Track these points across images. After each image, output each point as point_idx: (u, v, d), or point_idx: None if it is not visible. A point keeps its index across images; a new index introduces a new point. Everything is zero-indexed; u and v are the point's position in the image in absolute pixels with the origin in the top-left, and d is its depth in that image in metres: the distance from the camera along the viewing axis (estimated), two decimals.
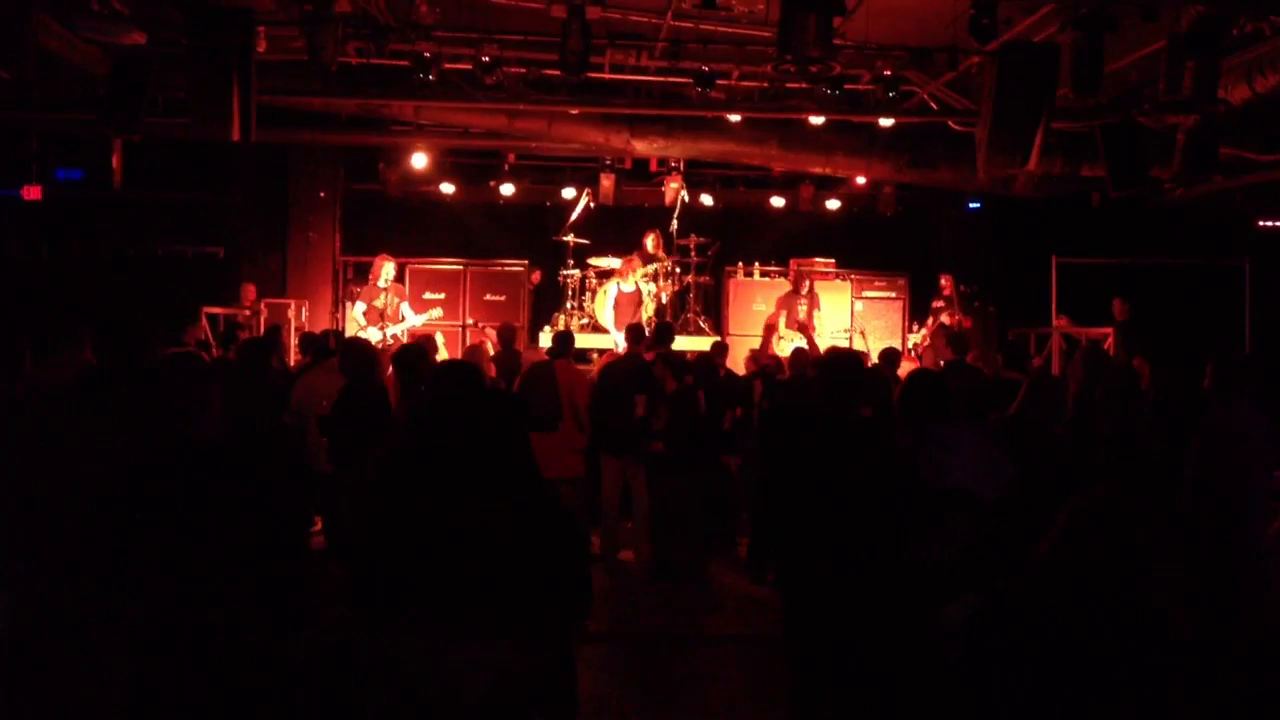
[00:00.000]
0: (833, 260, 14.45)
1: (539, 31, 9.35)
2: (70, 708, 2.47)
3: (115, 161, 11.88)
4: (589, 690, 5.86)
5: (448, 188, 14.38)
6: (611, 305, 12.48)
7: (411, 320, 11.64)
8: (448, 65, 9.77)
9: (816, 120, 11.29)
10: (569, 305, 13.10)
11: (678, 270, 13.23)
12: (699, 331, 13.06)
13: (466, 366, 4.19)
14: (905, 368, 9.38)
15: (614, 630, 7.10)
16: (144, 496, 2.50)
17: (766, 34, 9.25)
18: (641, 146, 12.28)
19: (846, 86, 10.13)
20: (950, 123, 10.97)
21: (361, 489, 6.91)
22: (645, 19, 9.68)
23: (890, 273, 14.68)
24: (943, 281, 13.71)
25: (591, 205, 13.80)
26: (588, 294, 13.12)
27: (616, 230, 13.99)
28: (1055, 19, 8.59)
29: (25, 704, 2.46)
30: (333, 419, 6.96)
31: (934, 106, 11.02)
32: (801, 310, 12.90)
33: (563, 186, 14.40)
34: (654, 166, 14.40)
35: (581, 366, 9.98)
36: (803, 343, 10.66)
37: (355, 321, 11.77)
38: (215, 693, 2.51)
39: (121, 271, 13.73)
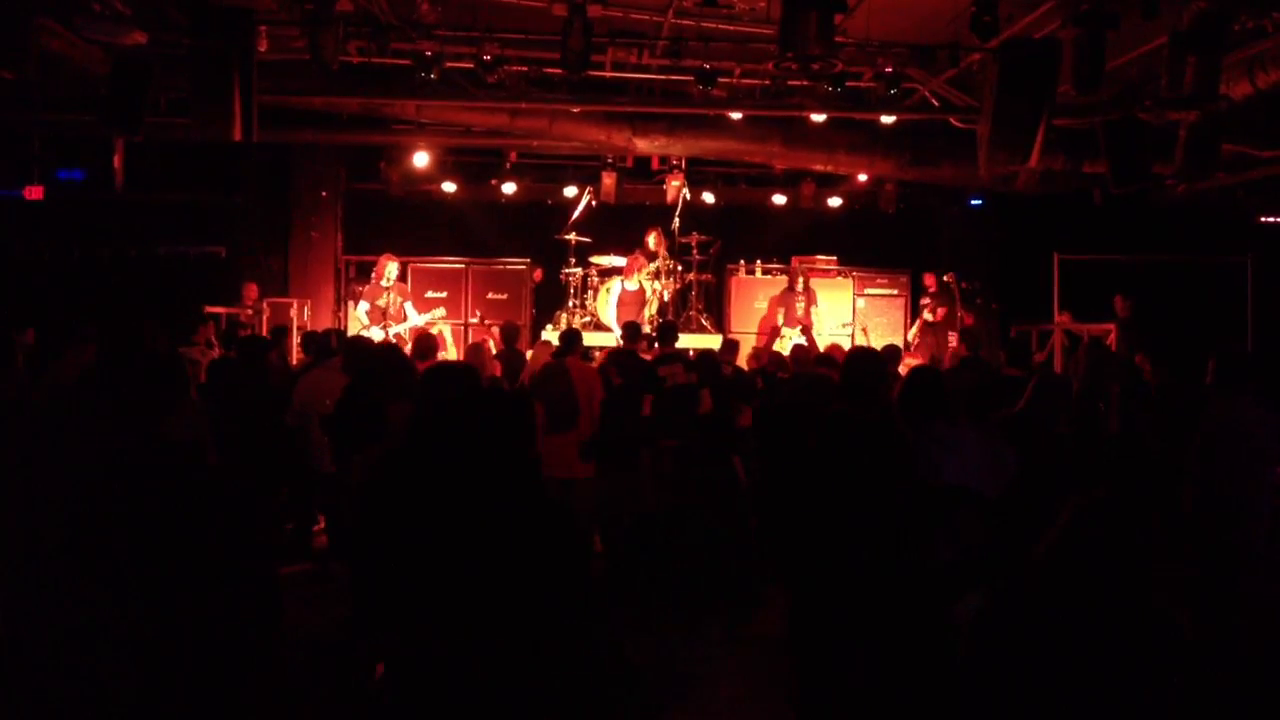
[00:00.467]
0: (834, 258, 14.47)
1: (540, 30, 9.35)
2: (59, 708, 2.46)
3: (117, 162, 11.89)
4: None
5: (449, 186, 14.38)
6: (615, 303, 12.48)
7: (414, 319, 11.64)
8: (449, 64, 9.77)
9: (818, 118, 11.28)
10: (571, 303, 13.10)
11: (679, 268, 13.23)
12: (701, 329, 13.06)
13: (458, 367, 4.20)
14: (906, 365, 9.36)
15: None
16: (104, 496, 2.50)
17: (768, 31, 9.24)
18: (643, 144, 12.28)
19: (848, 84, 10.12)
20: (952, 120, 10.96)
21: (355, 489, 6.92)
22: (646, 17, 9.67)
23: (892, 270, 14.68)
24: (927, 280, 13.75)
25: (593, 204, 13.80)
26: (590, 292, 13.12)
27: (618, 228, 13.99)
28: (1056, 15, 8.58)
29: (19, 704, 2.46)
30: (335, 418, 6.96)
31: (935, 104, 11.02)
32: (800, 307, 12.92)
33: (564, 185, 14.40)
34: (656, 164, 14.40)
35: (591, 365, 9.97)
36: (803, 340, 10.66)
37: (358, 321, 11.79)
38: (188, 691, 2.50)
39: (123, 272, 13.75)
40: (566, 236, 13.11)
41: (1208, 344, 5.72)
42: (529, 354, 10.11)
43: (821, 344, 11.56)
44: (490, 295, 14.04)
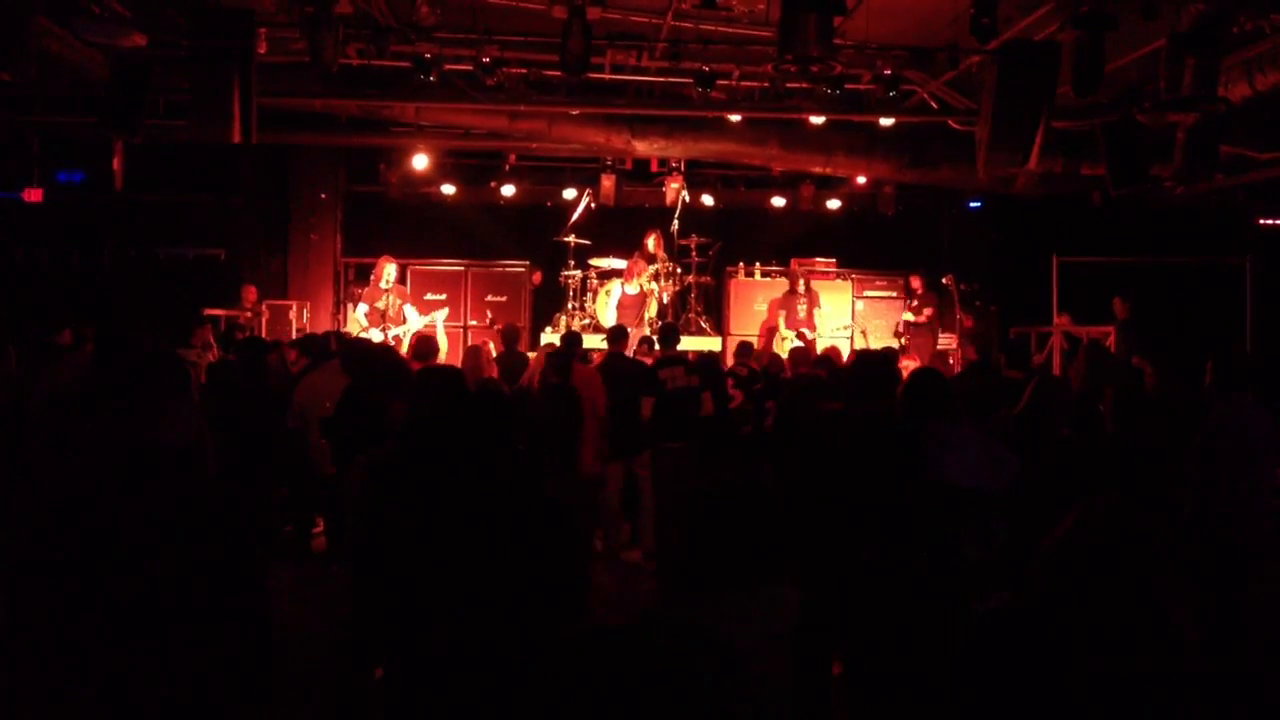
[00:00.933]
0: (834, 260, 14.48)
1: (540, 32, 9.35)
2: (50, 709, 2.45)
3: (116, 164, 11.89)
4: None
5: (449, 189, 14.38)
6: (614, 306, 12.48)
7: (414, 322, 11.64)
8: (448, 66, 9.78)
9: (817, 120, 11.29)
10: (570, 306, 13.10)
11: (679, 270, 13.23)
12: (700, 332, 13.06)
13: (443, 370, 4.22)
14: (905, 367, 9.34)
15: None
16: (96, 500, 2.49)
17: (767, 34, 9.25)
18: (642, 147, 12.28)
19: (847, 86, 10.13)
20: (951, 122, 10.97)
21: (353, 492, 6.91)
22: (645, 19, 9.68)
23: (891, 272, 14.68)
24: (914, 282, 13.78)
25: (593, 206, 13.81)
26: (589, 294, 13.13)
27: (617, 231, 13.99)
28: (1055, 18, 8.59)
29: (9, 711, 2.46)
30: (335, 419, 6.96)
31: (934, 106, 11.03)
32: (801, 310, 12.92)
33: (563, 187, 14.41)
34: (655, 167, 14.41)
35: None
36: (799, 343, 10.68)
37: (357, 323, 11.78)
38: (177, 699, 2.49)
39: (123, 274, 13.75)
40: (566, 239, 13.11)
41: (1207, 346, 5.72)
42: (531, 355, 10.10)
43: (820, 346, 11.57)
44: (490, 297, 14.04)
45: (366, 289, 11.93)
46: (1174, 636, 2.33)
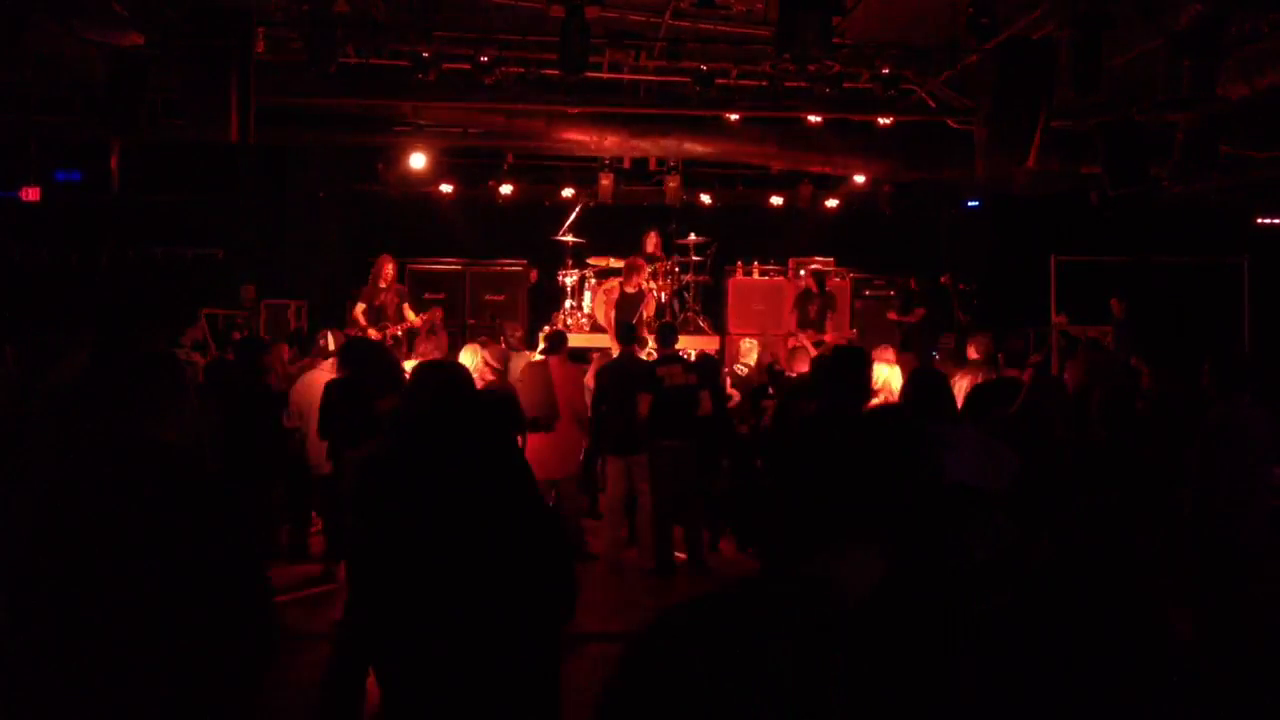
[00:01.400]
0: (832, 259, 14.47)
1: (538, 31, 9.35)
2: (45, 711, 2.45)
3: (114, 163, 11.87)
4: (591, 689, 5.87)
5: (446, 188, 14.38)
6: (613, 305, 12.48)
7: (412, 321, 11.63)
8: (447, 65, 9.77)
9: (815, 119, 11.29)
10: (568, 305, 13.10)
11: (677, 269, 13.23)
12: (698, 331, 13.06)
13: (449, 366, 4.19)
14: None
15: (616, 629, 7.08)
16: (91, 499, 2.48)
17: (765, 33, 9.25)
18: (640, 146, 12.28)
19: (845, 85, 10.13)
20: (949, 121, 10.97)
21: (346, 489, 6.92)
22: (643, 18, 9.67)
23: (889, 271, 14.68)
24: (914, 284, 13.77)
25: (591, 204, 13.82)
26: (587, 293, 13.12)
27: (615, 230, 13.99)
28: (1054, 17, 8.59)
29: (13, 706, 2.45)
30: (325, 416, 6.97)
31: (932, 105, 11.02)
32: (814, 311, 12.86)
33: (561, 186, 14.41)
34: (653, 166, 14.41)
35: (582, 366, 9.98)
36: (806, 344, 10.66)
37: (355, 322, 11.77)
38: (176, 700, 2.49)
39: (121, 273, 13.73)
40: (563, 238, 13.11)
41: (1204, 345, 5.73)
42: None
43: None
44: (488, 297, 14.04)
45: (365, 288, 11.92)
46: (1170, 637, 2.33)
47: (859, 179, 14.15)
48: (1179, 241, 13.41)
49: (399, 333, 11.42)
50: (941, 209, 15.65)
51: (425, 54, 9.45)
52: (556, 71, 9.52)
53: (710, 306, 14.08)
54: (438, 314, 11.72)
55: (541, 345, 9.64)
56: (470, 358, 7.96)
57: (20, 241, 13.66)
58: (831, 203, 15.09)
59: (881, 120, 11.29)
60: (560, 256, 13.25)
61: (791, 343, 12.09)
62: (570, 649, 5.74)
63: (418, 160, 13.65)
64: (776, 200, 15.03)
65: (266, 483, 8.04)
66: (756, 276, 14.49)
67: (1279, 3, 7.95)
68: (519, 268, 14.23)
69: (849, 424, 2.28)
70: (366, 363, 6.90)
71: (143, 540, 2.44)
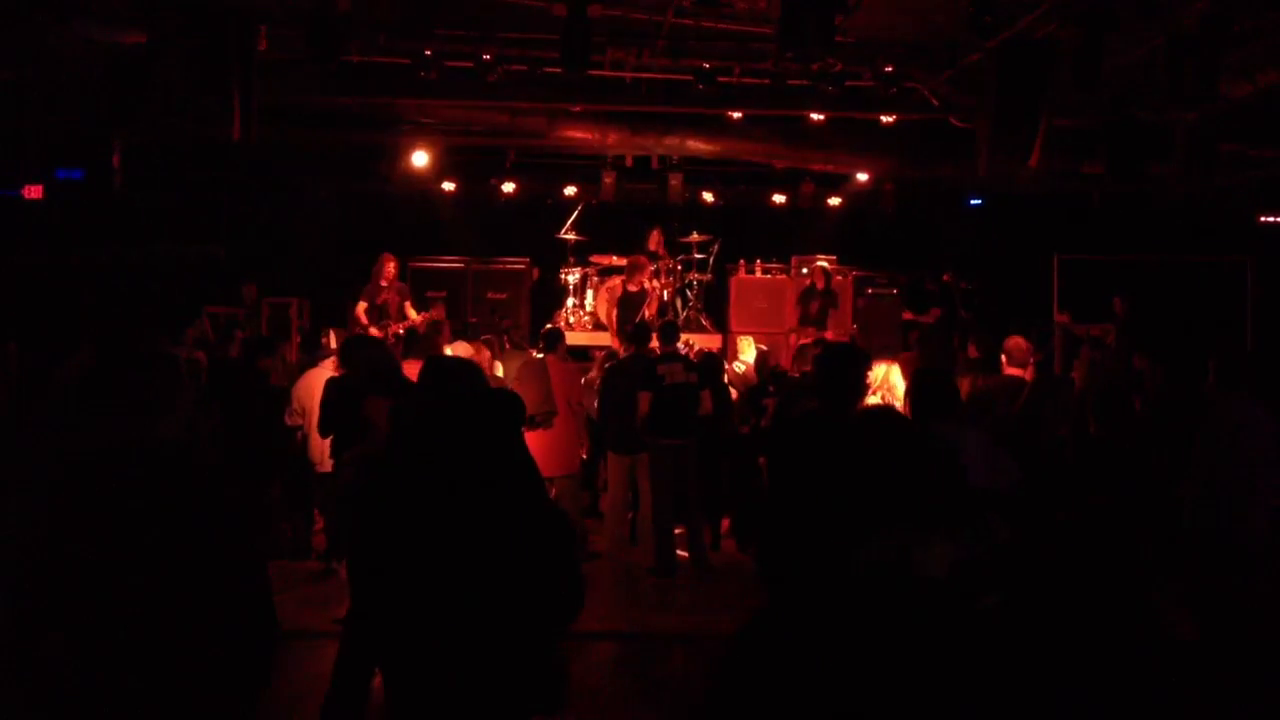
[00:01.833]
0: (834, 257, 14.47)
1: (540, 29, 9.34)
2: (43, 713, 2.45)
3: (116, 161, 11.88)
4: (593, 688, 5.88)
5: (448, 186, 14.38)
6: (615, 304, 12.48)
7: (414, 320, 11.63)
8: (449, 63, 9.76)
9: (818, 117, 11.28)
10: (571, 303, 13.10)
11: (679, 268, 13.23)
12: (700, 329, 13.06)
13: (459, 361, 4.17)
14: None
15: (618, 628, 7.09)
16: (89, 497, 2.48)
17: (767, 31, 9.24)
18: (642, 144, 12.27)
19: (847, 83, 10.12)
20: (952, 119, 10.95)
21: (347, 487, 6.93)
22: (646, 16, 9.65)
23: (891, 269, 14.67)
24: (929, 285, 13.76)
25: (593, 201, 13.82)
26: (589, 291, 13.12)
27: (617, 228, 13.99)
28: (1056, 15, 8.58)
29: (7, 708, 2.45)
30: (323, 416, 6.97)
31: (935, 103, 11.00)
32: (815, 308, 12.86)
33: (564, 184, 14.41)
34: (655, 164, 14.40)
35: (583, 364, 10.00)
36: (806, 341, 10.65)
37: (357, 320, 11.77)
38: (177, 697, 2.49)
39: (123, 271, 13.73)
40: (565, 236, 13.11)
41: (1207, 344, 5.72)
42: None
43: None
44: (490, 295, 14.04)
45: (367, 286, 11.92)
46: (1168, 637, 2.33)
47: (861, 177, 14.14)
48: (1181, 240, 13.40)
49: (401, 331, 11.41)
50: (944, 207, 15.63)
51: (427, 52, 9.45)
52: (559, 69, 9.51)
53: (712, 305, 14.08)
54: (439, 311, 11.71)
55: (539, 343, 9.64)
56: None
57: (22, 239, 13.67)
58: (834, 201, 15.08)
59: (884, 118, 11.27)
60: (562, 254, 13.25)
61: (800, 339, 12.12)
62: (573, 648, 5.74)
63: (420, 158, 13.64)
64: (779, 198, 15.02)
65: (267, 480, 8.06)
66: (759, 275, 14.49)
67: None
68: (521, 266, 14.23)
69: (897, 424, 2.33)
70: (363, 361, 6.89)
71: (142, 538, 2.44)
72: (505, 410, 3.09)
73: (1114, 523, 2.29)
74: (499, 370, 9.01)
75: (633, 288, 12.28)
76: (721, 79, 10.26)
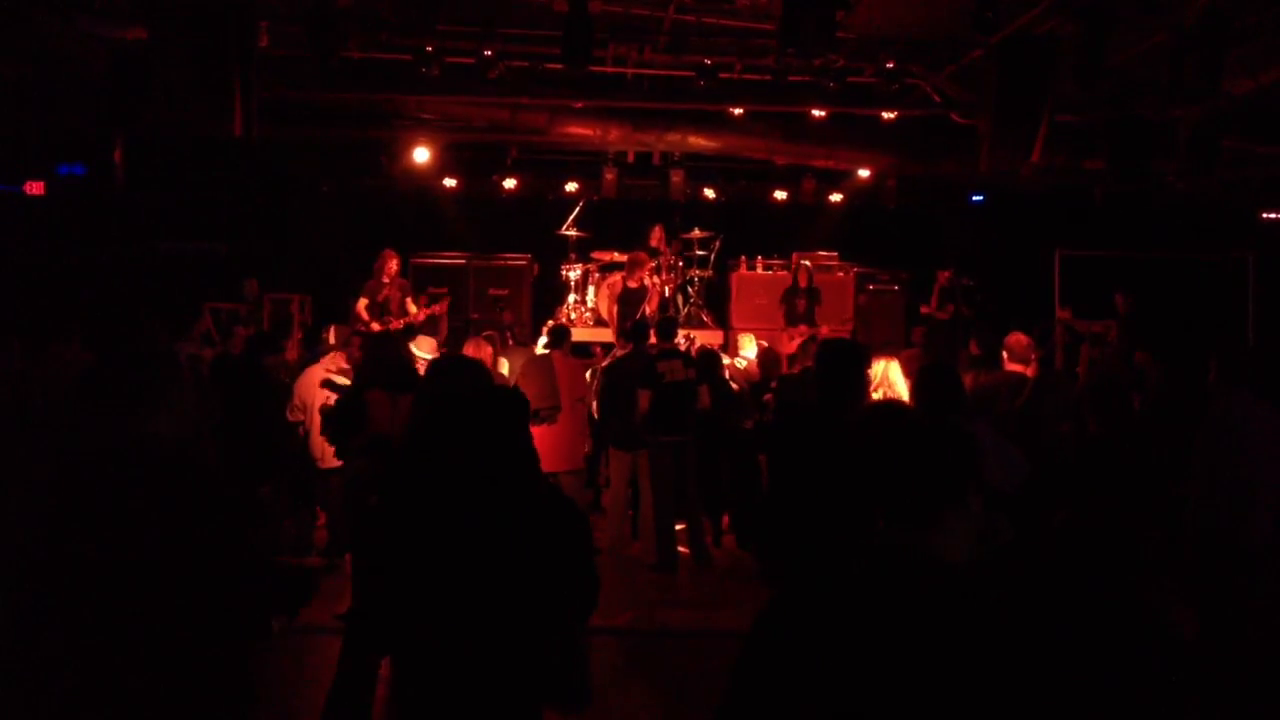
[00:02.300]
0: (835, 253, 14.45)
1: (541, 25, 9.34)
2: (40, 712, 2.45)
3: (117, 157, 11.87)
4: (595, 683, 5.87)
5: (450, 182, 14.37)
6: (616, 300, 12.48)
7: (415, 315, 11.63)
8: (450, 59, 9.76)
9: (819, 113, 11.27)
10: (572, 299, 13.10)
11: (680, 264, 13.22)
12: (701, 325, 13.06)
13: (467, 360, 4.18)
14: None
15: (619, 624, 7.09)
16: (84, 493, 2.49)
17: (769, 27, 9.24)
18: (644, 140, 12.27)
19: (849, 79, 10.11)
20: (953, 116, 10.95)
21: (357, 482, 6.93)
22: (647, 12, 9.66)
23: (892, 266, 14.66)
24: (942, 278, 13.69)
25: (595, 198, 13.81)
26: (590, 287, 13.12)
27: (619, 224, 13.98)
28: (1058, 12, 8.57)
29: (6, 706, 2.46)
30: (335, 410, 6.98)
31: (937, 99, 11.00)
32: (800, 305, 12.87)
33: (565, 180, 14.40)
34: (656, 160, 14.39)
35: (584, 360, 10.01)
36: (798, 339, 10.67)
37: (359, 316, 11.77)
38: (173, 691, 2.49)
39: (124, 267, 13.73)
40: (567, 233, 13.11)
41: (1209, 341, 5.71)
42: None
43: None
44: (491, 291, 14.03)
45: (369, 282, 11.91)
46: (1170, 636, 2.33)
47: (863, 173, 14.12)
48: (1183, 236, 13.39)
49: (401, 327, 11.41)
50: (945, 204, 15.60)
51: (428, 48, 9.45)
52: (560, 65, 9.51)
53: (714, 301, 14.07)
54: (443, 307, 11.69)
55: (545, 339, 9.64)
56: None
57: (23, 234, 13.66)
58: (835, 197, 15.05)
59: (885, 115, 11.27)
60: (564, 251, 13.24)
61: (794, 337, 12.13)
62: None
63: (421, 154, 13.63)
64: (780, 195, 15.00)
65: (269, 477, 8.06)
66: (760, 271, 14.45)
67: None
68: (522, 262, 14.23)
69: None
70: (372, 358, 6.93)
71: (142, 535, 2.45)
72: (509, 407, 3.09)
73: (1115, 523, 2.28)
74: (503, 367, 9.00)
75: (633, 284, 12.26)
76: (723, 75, 10.26)
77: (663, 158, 14.22)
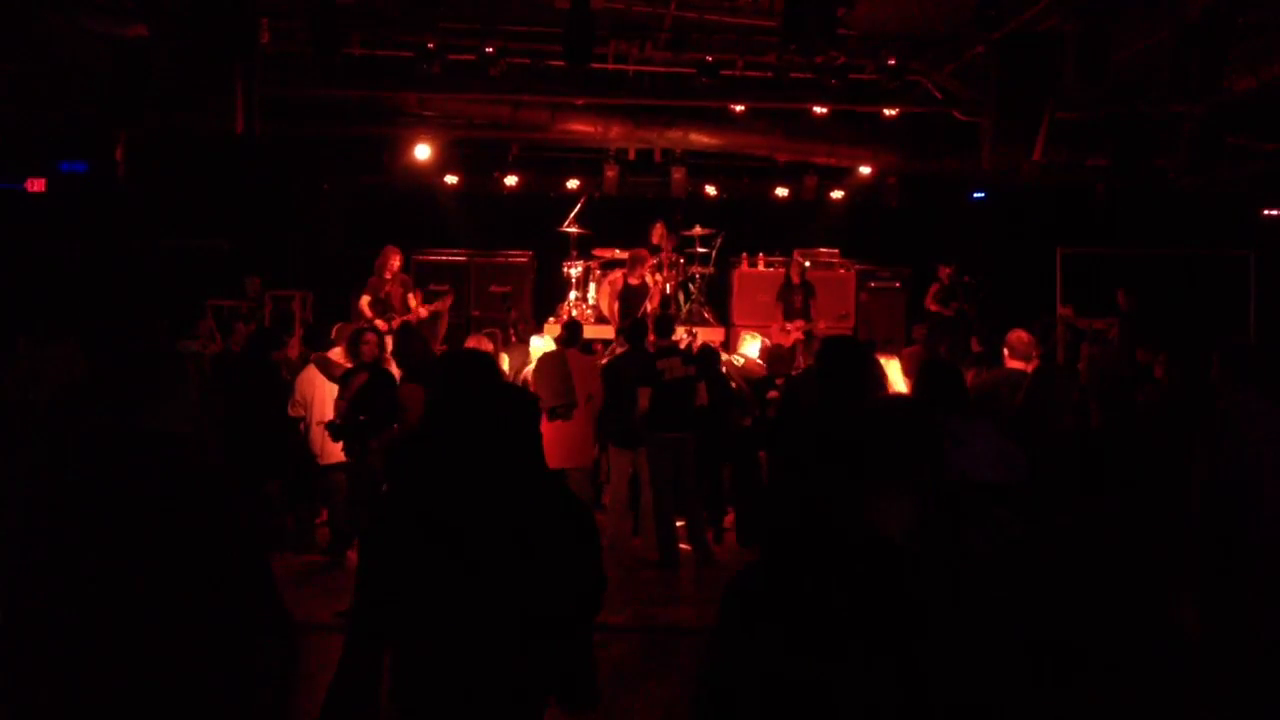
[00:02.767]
0: (836, 250, 14.45)
1: (543, 22, 9.34)
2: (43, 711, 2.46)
3: (119, 154, 11.87)
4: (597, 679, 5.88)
5: (451, 179, 14.38)
6: (617, 297, 12.48)
7: (417, 312, 11.63)
8: (451, 56, 9.76)
9: (821, 110, 11.27)
10: (573, 296, 13.10)
11: (682, 261, 13.22)
12: (703, 322, 13.05)
13: (480, 356, 4.16)
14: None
15: (621, 620, 7.10)
16: (85, 490, 2.49)
17: (771, 24, 9.23)
18: (645, 137, 12.26)
19: (851, 76, 10.11)
20: (955, 113, 10.95)
21: (372, 478, 6.95)
22: (649, 9, 9.65)
23: (894, 263, 14.65)
24: (943, 274, 13.68)
25: (596, 195, 13.81)
26: (592, 284, 13.12)
27: (620, 221, 13.97)
28: (1060, 8, 8.57)
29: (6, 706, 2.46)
30: (353, 404, 7.01)
31: (938, 96, 10.99)
32: (797, 301, 12.86)
33: (567, 177, 14.40)
34: (658, 157, 14.39)
35: (593, 357, 10.01)
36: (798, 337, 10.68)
37: (361, 313, 11.77)
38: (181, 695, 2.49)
39: (126, 264, 13.73)
40: (568, 230, 13.11)
41: (1211, 338, 5.70)
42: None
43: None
44: (493, 288, 14.03)
45: (371, 279, 11.91)
46: (1175, 636, 2.33)
47: (864, 170, 14.10)
48: (1185, 233, 13.37)
49: (400, 324, 11.41)
50: (946, 201, 15.59)
51: (430, 45, 9.45)
52: (562, 63, 9.51)
53: (715, 298, 14.06)
54: (446, 303, 11.69)
55: (559, 335, 9.63)
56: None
57: (25, 232, 13.66)
58: (836, 194, 15.04)
59: (887, 112, 11.27)
60: (565, 248, 13.25)
61: (791, 331, 12.13)
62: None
63: (422, 151, 13.62)
64: (782, 192, 15.00)
65: (271, 473, 8.06)
66: (762, 268, 14.44)
67: None
68: (523, 259, 14.23)
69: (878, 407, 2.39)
70: (405, 352, 6.96)
71: (144, 533, 2.45)
72: (520, 401, 3.09)
73: (1119, 522, 2.28)
74: (505, 364, 9.01)
75: (634, 281, 12.26)
76: (724, 72, 10.25)
77: (664, 155, 14.22)
